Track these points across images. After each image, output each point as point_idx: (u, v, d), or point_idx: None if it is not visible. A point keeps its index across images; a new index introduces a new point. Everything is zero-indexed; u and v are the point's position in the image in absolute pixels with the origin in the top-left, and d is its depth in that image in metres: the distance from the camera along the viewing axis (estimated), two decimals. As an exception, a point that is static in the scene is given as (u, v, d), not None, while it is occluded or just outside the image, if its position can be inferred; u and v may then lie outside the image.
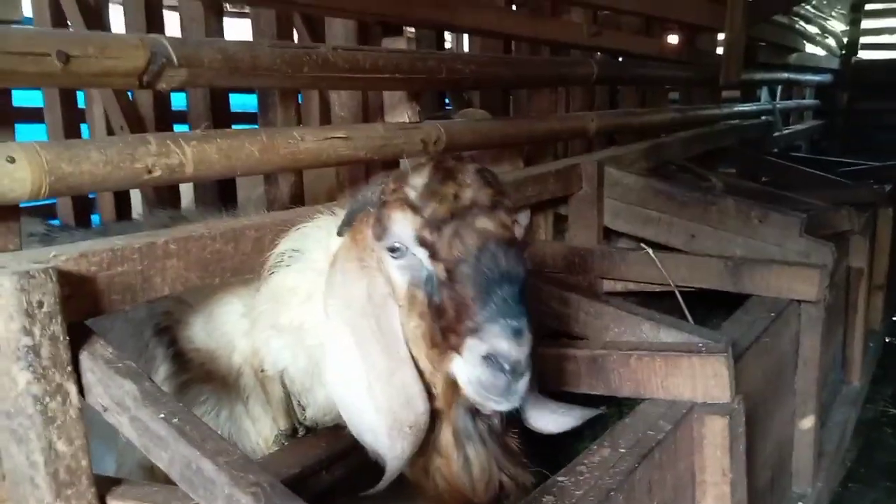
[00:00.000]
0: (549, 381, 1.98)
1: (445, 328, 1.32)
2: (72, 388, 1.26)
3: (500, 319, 1.25)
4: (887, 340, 6.83)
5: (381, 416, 1.36)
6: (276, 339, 1.69)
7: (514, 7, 2.99)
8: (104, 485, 1.32)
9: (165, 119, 2.83)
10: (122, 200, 2.97)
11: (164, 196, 2.75)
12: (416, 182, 1.39)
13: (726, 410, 1.76)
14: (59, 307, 1.24)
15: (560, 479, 1.49)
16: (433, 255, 1.34)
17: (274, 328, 1.68)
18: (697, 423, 1.78)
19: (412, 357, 1.39)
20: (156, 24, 2.63)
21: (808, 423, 2.82)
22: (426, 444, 1.41)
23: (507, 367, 1.24)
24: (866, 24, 9.45)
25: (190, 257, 1.56)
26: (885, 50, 9.67)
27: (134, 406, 1.25)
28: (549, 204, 3.14)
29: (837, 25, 8.92)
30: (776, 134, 6.59)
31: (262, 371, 1.77)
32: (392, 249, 1.38)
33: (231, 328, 1.80)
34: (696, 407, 1.78)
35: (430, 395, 1.39)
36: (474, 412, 1.39)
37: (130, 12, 2.67)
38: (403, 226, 1.36)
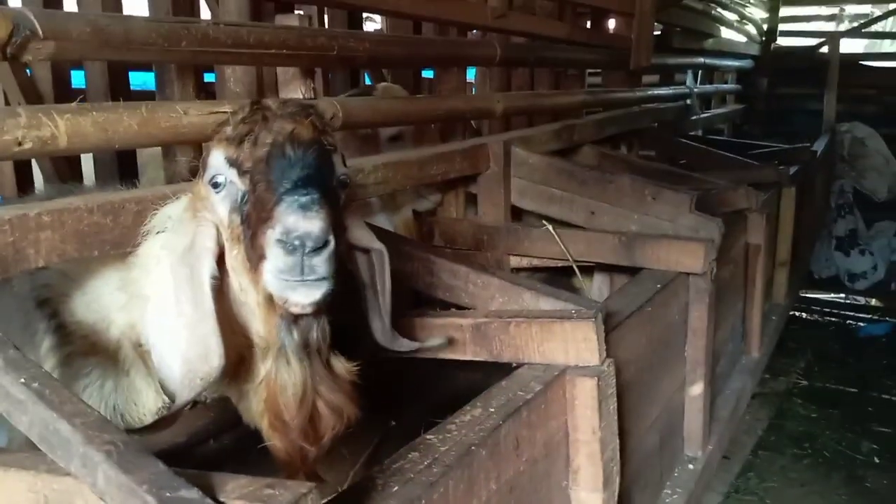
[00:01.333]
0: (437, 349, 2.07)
1: (254, 237, 1.33)
2: (-65, 358, 1.27)
3: (286, 198, 1.26)
4: (801, 315, 7.20)
5: (178, 365, 1.41)
6: (147, 309, 1.72)
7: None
8: (-28, 453, 1.34)
9: (65, 97, 2.79)
10: (23, 176, 2.93)
11: (64, 171, 2.72)
12: (235, 119, 1.44)
13: (596, 372, 1.87)
14: (-82, 276, 1.25)
15: (429, 436, 1.57)
16: (240, 171, 1.37)
17: (143, 298, 1.70)
18: (570, 385, 1.88)
19: (238, 302, 1.44)
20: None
21: (697, 389, 2.98)
22: (254, 383, 1.46)
23: (296, 242, 1.23)
24: (785, 11, 9.79)
25: (65, 229, 1.57)
26: (803, 37, 10.04)
27: (-4, 373, 1.27)
28: (461, 182, 3.22)
29: (757, 13, 9.22)
30: (695, 117, 6.81)
31: (140, 345, 1.79)
32: (214, 185, 1.41)
33: (107, 301, 1.81)
34: (569, 370, 1.89)
35: (250, 340, 1.45)
36: (290, 324, 1.38)
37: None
38: (217, 154, 1.41)
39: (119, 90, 2.75)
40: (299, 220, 1.23)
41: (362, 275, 1.60)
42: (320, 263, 1.25)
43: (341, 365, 1.47)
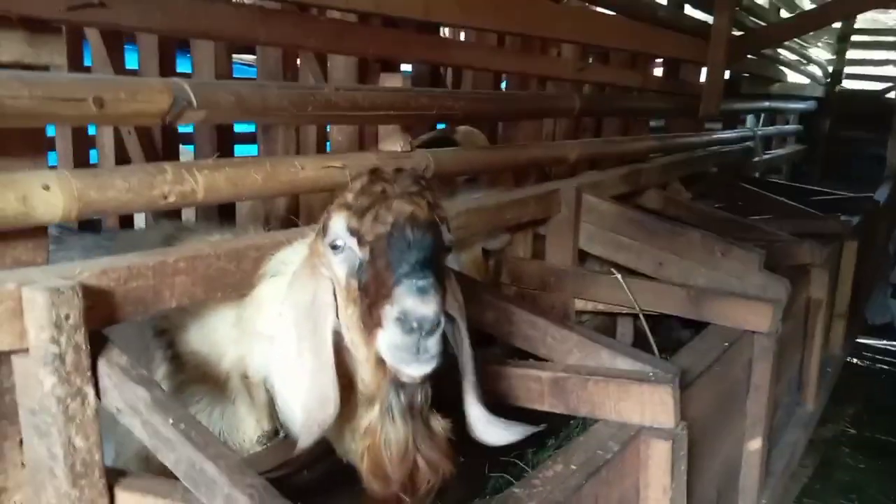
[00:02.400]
0: (518, 397, 2.18)
1: (371, 305, 1.46)
2: (90, 391, 1.43)
3: (405, 281, 1.39)
4: (852, 361, 7.11)
5: (300, 411, 1.55)
6: (258, 346, 1.86)
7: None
8: (113, 476, 1.49)
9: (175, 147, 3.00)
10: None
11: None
12: (355, 186, 1.58)
13: (670, 435, 1.96)
14: (82, 319, 1.41)
15: (515, 489, 1.68)
16: (360, 241, 1.50)
17: (255, 335, 1.86)
18: (644, 445, 1.98)
19: (348, 351, 1.56)
20: (167, 64, 2.80)
21: (755, 444, 3.03)
22: (358, 430, 1.58)
23: (414, 324, 1.36)
24: (851, 54, 9.72)
25: (197, 274, 1.73)
26: (868, 81, 9.94)
27: (146, 411, 1.42)
28: (530, 223, 3.33)
29: (823, 54, 9.17)
30: (756, 159, 6.82)
31: (247, 377, 1.95)
32: (334, 247, 1.54)
33: (222, 336, 1.96)
34: (644, 430, 1.98)
35: (356, 389, 1.57)
36: (398, 388, 1.51)
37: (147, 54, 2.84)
38: (338, 221, 1.54)
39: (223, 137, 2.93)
40: (418, 304, 1.36)
41: (461, 344, 1.71)
42: (433, 345, 1.40)
43: (439, 424, 1.60)
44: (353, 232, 1.52)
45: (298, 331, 1.60)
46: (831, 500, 4.49)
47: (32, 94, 1.31)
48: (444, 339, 1.57)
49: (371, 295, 1.47)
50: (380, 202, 1.51)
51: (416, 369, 1.44)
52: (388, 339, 1.42)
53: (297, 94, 1.80)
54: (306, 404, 1.55)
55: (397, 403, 1.53)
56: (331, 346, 1.55)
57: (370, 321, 1.48)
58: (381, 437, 1.55)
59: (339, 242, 1.55)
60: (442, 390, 1.70)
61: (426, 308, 1.36)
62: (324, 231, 1.59)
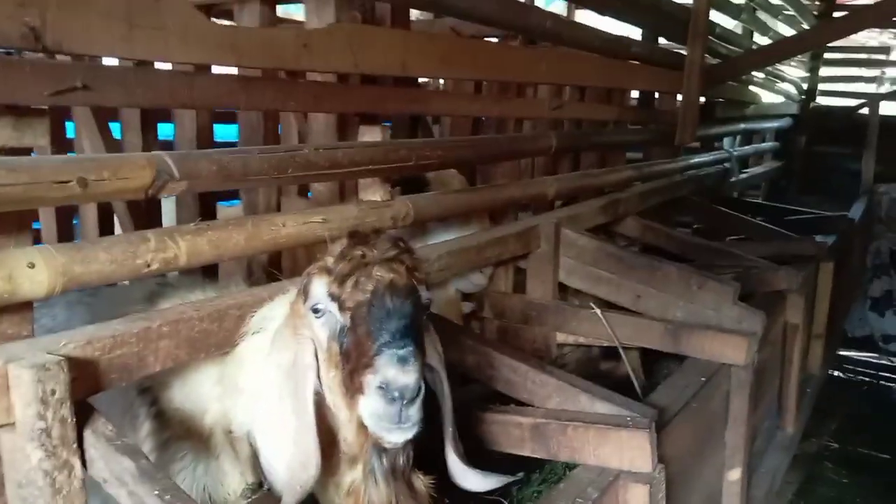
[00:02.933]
0: (500, 442, 2.23)
1: (352, 371, 1.51)
2: (76, 463, 1.46)
3: (386, 350, 1.43)
4: (833, 374, 7.19)
5: (283, 470, 1.59)
6: (240, 402, 1.88)
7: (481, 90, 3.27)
8: (100, 544, 1.52)
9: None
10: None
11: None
12: (334, 250, 1.62)
13: (648, 479, 2.01)
14: (68, 393, 1.44)
15: (499, 540, 1.72)
16: (341, 307, 1.54)
17: (237, 391, 1.89)
18: (622, 490, 2.02)
19: (330, 410, 1.59)
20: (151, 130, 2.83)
21: (735, 474, 3.09)
22: (342, 487, 1.63)
23: (395, 394, 1.40)
24: (824, 71, 9.90)
25: (180, 337, 1.76)
26: (841, 97, 10.13)
27: (132, 481, 1.45)
28: (511, 258, 3.38)
29: (796, 72, 9.34)
30: (734, 179, 6.93)
31: (230, 432, 1.98)
32: (315, 310, 1.59)
33: (205, 393, 1.98)
34: (622, 475, 2.03)
35: (338, 445, 1.61)
36: (380, 451, 1.56)
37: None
38: (319, 285, 1.58)
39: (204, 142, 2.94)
40: (399, 374, 1.41)
41: (442, 396, 1.76)
42: (414, 413, 1.45)
43: (421, 482, 1.65)
44: (334, 297, 1.56)
45: (280, 391, 1.64)
46: (816, 516, 4.54)
47: (18, 180, 1.34)
48: (426, 397, 1.63)
49: (352, 361, 1.51)
50: (360, 268, 1.55)
51: (398, 436, 1.49)
52: (370, 406, 1.47)
53: (278, 159, 1.84)
54: (289, 464, 1.60)
55: (379, 466, 1.58)
56: (312, 406, 1.59)
57: (352, 386, 1.52)
58: (364, 499, 1.60)
59: (319, 306, 1.59)
60: (428, 435, 1.75)
61: (407, 378, 1.41)
62: (304, 294, 1.63)
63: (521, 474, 1.83)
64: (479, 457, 2.52)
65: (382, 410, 1.44)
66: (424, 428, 1.66)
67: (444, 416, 1.75)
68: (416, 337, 1.50)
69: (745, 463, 3.17)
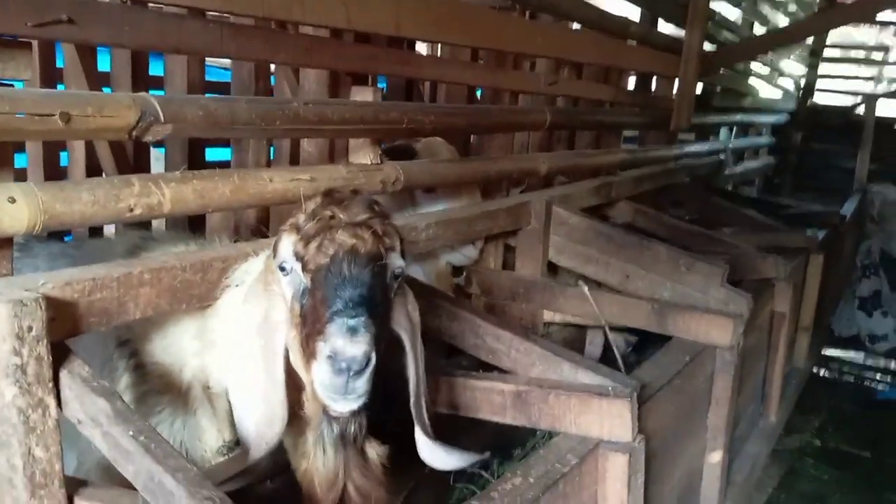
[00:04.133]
0: (482, 409, 2.22)
1: (308, 335, 1.49)
2: (51, 402, 1.44)
3: (337, 319, 1.41)
4: (818, 373, 7.23)
5: (251, 425, 1.59)
6: (218, 357, 1.87)
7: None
8: (73, 486, 1.51)
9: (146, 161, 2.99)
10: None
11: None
12: (307, 207, 1.60)
13: (627, 448, 2.01)
14: (45, 331, 1.42)
15: (474, 502, 1.71)
16: (304, 267, 1.52)
17: (215, 346, 1.88)
18: (602, 458, 2.02)
19: (287, 374, 1.57)
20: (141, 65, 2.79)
21: (716, 456, 3.10)
22: (298, 450, 1.62)
23: (342, 364, 1.38)
24: (823, 69, 9.90)
25: (161, 286, 1.75)
26: (839, 94, 10.14)
27: (106, 422, 1.44)
28: (501, 235, 3.37)
29: (795, 68, 9.34)
30: (728, 172, 6.93)
31: (208, 388, 1.96)
32: (282, 268, 1.56)
33: (184, 347, 1.96)
34: (602, 444, 2.03)
35: (302, 404, 1.58)
36: (330, 418, 1.54)
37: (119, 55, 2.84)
38: (287, 244, 1.56)
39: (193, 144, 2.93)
40: (346, 343, 1.38)
41: (406, 359, 1.72)
42: (361, 385, 1.43)
43: (374, 452, 1.63)
44: (299, 257, 1.53)
45: (251, 346, 1.62)
46: (796, 510, 4.56)
47: (-1, 109, 1.32)
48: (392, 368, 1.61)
49: (308, 325, 1.49)
50: (326, 230, 1.52)
51: (343, 406, 1.47)
52: (319, 374, 1.45)
53: (266, 109, 1.82)
54: (257, 420, 1.59)
55: (329, 433, 1.56)
56: (282, 364, 1.58)
57: (307, 350, 1.50)
58: (313, 464, 1.59)
59: (286, 265, 1.56)
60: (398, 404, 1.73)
61: (355, 349, 1.38)
62: (275, 250, 1.61)
63: (487, 454, 1.80)
64: (460, 432, 2.53)
65: (328, 380, 1.42)
66: (393, 397, 1.66)
67: (412, 390, 1.72)
68: (373, 307, 1.46)
69: (727, 446, 3.18)
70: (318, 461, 1.58)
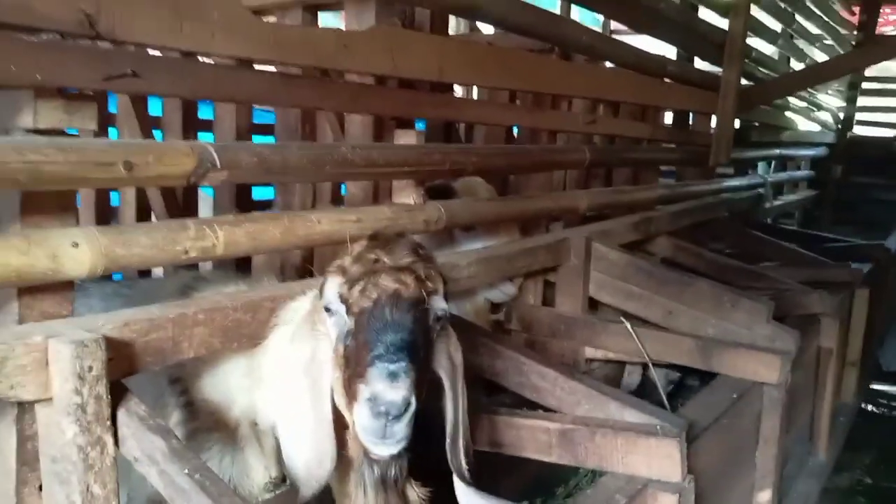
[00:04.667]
0: (527, 448, 2.21)
1: (350, 377, 1.50)
2: (109, 440, 1.48)
3: (378, 363, 1.42)
4: (867, 408, 7.02)
5: (301, 464, 1.61)
6: (266, 394, 1.89)
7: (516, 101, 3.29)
8: (128, 523, 1.54)
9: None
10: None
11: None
12: (353, 250, 1.62)
13: (677, 489, 1.98)
14: (104, 371, 1.47)
15: (523, 542, 1.70)
16: (348, 310, 1.54)
17: (264, 384, 1.91)
18: (651, 499, 1.99)
19: (335, 413, 1.58)
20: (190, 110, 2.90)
21: (765, 496, 3.02)
22: (343, 489, 1.63)
23: (382, 408, 1.39)
24: (862, 101, 9.80)
25: (214, 325, 1.79)
26: (879, 127, 10.01)
27: (163, 460, 1.47)
28: (540, 271, 3.37)
29: (834, 101, 9.26)
30: (767, 205, 6.86)
31: (256, 424, 1.99)
32: (327, 309, 1.59)
33: (233, 384, 2.00)
34: (651, 483, 2.00)
35: (347, 444, 1.60)
36: (371, 460, 1.55)
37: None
38: (332, 286, 1.58)
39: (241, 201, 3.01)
40: (386, 389, 1.40)
41: (445, 404, 1.72)
42: (400, 429, 1.43)
43: (415, 494, 1.63)
44: (343, 300, 1.56)
45: (298, 385, 1.65)
46: (848, 551, 4.40)
47: (67, 159, 1.38)
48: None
49: (351, 367, 1.51)
50: (370, 274, 1.54)
51: (383, 450, 1.48)
52: (359, 417, 1.46)
53: (316, 154, 1.87)
54: (306, 459, 1.61)
55: (370, 475, 1.57)
56: (329, 403, 1.60)
57: (350, 391, 1.52)
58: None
59: (331, 306, 1.59)
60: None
61: (395, 394, 1.39)
62: (321, 292, 1.64)
63: (525, 503, 1.78)
64: (501, 471, 2.51)
65: (368, 423, 1.43)
66: (439, 438, 1.66)
67: (447, 429, 1.71)
68: (414, 351, 1.47)
69: (776, 485, 3.10)
70: (360, 502, 1.59)
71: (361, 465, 1.58)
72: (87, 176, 1.43)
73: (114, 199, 3.66)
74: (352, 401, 1.49)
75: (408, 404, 1.41)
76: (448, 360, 1.73)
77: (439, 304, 1.61)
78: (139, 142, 2.03)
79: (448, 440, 1.70)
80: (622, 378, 3.74)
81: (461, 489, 1.69)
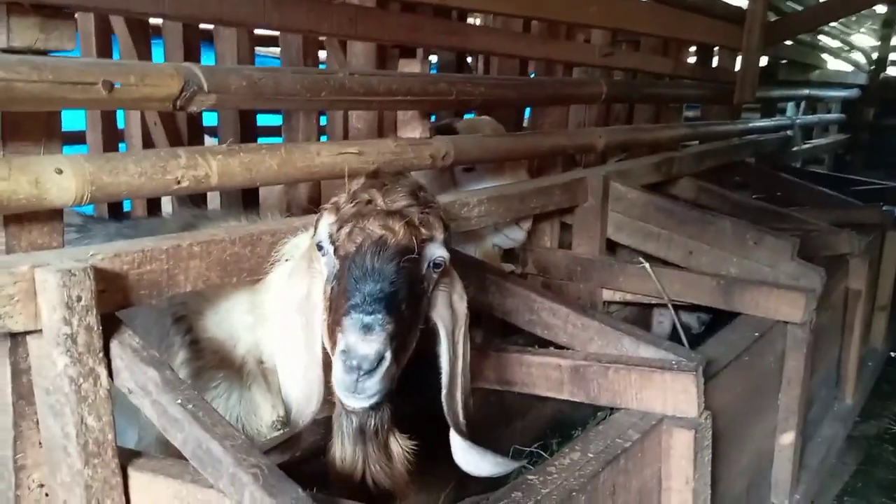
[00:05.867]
0: (538, 385, 2.15)
1: (332, 322, 1.45)
2: (102, 372, 1.45)
3: (353, 314, 1.35)
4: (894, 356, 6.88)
5: (292, 402, 1.59)
6: (270, 331, 1.85)
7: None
8: (125, 456, 1.51)
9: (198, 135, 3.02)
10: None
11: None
12: (350, 188, 1.55)
13: (693, 424, 1.91)
14: (94, 301, 1.42)
15: (530, 477, 1.65)
16: (335, 251, 1.48)
17: (267, 321, 1.86)
18: (666, 435, 1.93)
19: (327, 354, 1.52)
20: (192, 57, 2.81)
21: (788, 438, 2.95)
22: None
23: (353, 362, 1.33)
24: (896, 40, 9.40)
25: (211, 259, 1.74)
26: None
27: (155, 391, 1.43)
28: (556, 213, 3.27)
29: (866, 41, 8.89)
30: (796, 148, 6.64)
31: (262, 362, 1.96)
32: (319, 247, 1.53)
33: (237, 321, 1.97)
34: (666, 419, 1.93)
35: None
36: (348, 411, 1.48)
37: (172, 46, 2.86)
38: (325, 224, 1.52)
39: (246, 124, 2.93)
40: (359, 341, 1.33)
41: (440, 358, 1.64)
42: (372, 385, 1.36)
43: (398, 447, 1.57)
44: (332, 240, 1.50)
45: (293, 323, 1.60)
46: (873, 499, 4.34)
47: (43, 77, 1.32)
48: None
49: (333, 311, 1.46)
50: (361, 215, 1.47)
51: (354, 403, 1.42)
52: (334, 367, 1.40)
53: (311, 79, 1.79)
54: (296, 398, 1.58)
55: (347, 425, 1.52)
56: (320, 343, 1.55)
57: (332, 338, 1.46)
58: (334, 453, 1.56)
59: (322, 244, 1.53)
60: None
61: (367, 347, 1.33)
62: (315, 227, 1.58)
63: (524, 461, 1.70)
64: (516, 415, 2.45)
65: (340, 376, 1.37)
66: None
67: (442, 380, 1.63)
68: (394, 303, 1.40)
69: (800, 428, 3.02)
70: (337, 451, 1.55)
71: (340, 414, 1.52)
72: (65, 96, 1.36)
73: (122, 149, 3.60)
74: (333, 346, 1.43)
75: (381, 359, 1.35)
76: (448, 309, 1.64)
77: (436, 252, 1.53)
78: (120, 61, 1.95)
79: (444, 392, 1.63)
80: (651, 326, 3.67)
81: (457, 443, 1.62)
